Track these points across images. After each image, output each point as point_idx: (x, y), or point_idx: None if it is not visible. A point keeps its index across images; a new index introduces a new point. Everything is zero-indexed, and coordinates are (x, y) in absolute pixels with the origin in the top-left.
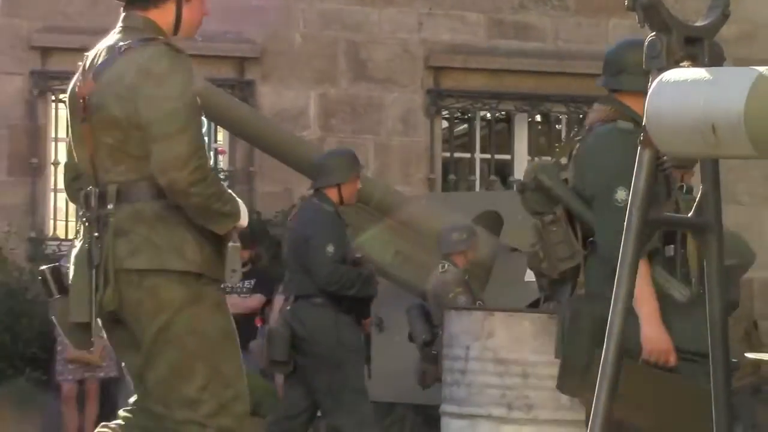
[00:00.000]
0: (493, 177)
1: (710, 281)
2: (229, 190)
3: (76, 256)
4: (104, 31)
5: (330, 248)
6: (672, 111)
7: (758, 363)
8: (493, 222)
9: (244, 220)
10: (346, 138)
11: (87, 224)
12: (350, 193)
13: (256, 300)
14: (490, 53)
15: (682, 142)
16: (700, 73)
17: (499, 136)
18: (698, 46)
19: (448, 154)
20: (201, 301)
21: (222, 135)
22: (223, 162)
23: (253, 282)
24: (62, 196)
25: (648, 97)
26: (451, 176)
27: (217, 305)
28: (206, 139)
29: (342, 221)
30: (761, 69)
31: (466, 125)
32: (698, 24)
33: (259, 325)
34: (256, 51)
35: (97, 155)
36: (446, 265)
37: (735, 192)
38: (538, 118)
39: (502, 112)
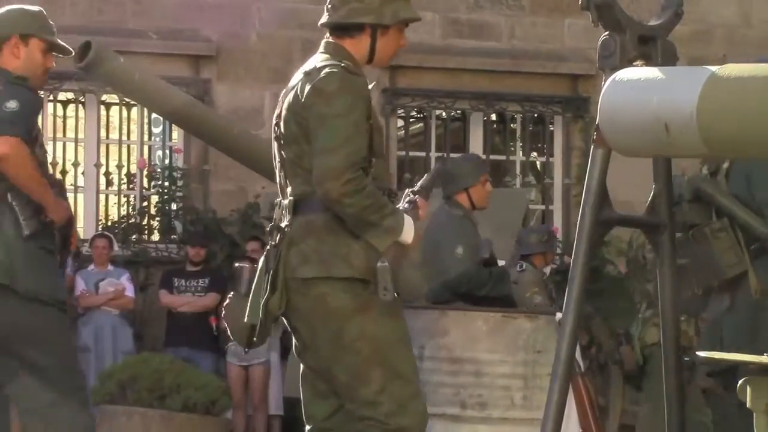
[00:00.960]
0: None
1: (662, 279)
2: (398, 208)
3: (261, 262)
4: (59, 30)
5: (459, 250)
6: (625, 110)
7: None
8: None
9: (407, 236)
10: None
11: (270, 234)
12: (480, 195)
13: (211, 299)
14: (445, 52)
15: (636, 140)
16: (653, 72)
17: (455, 135)
18: (651, 46)
19: (403, 153)
20: (370, 309)
21: (177, 133)
22: (178, 160)
23: (207, 281)
24: None
25: (601, 96)
26: (407, 175)
27: (387, 311)
28: (162, 137)
29: (472, 224)
30: (714, 68)
31: (421, 124)
32: (652, 23)
33: (213, 323)
34: (211, 49)
35: (284, 170)
36: (524, 265)
37: None
38: (494, 117)
39: (458, 111)
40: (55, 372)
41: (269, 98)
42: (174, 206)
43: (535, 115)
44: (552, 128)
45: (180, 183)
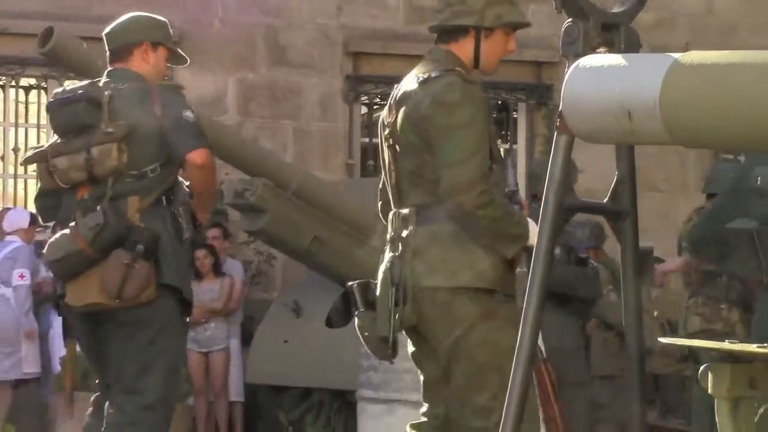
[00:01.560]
0: None
1: (625, 265)
2: (523, 214)
3: (382, 274)
4: (23, 15)
5: (557, 251)
6: (588, 97)
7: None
8: None
9: (533, 240)
10: (265, 123)
11: (390, 244)
12: None
13: None
14: (408, 39)
15: (599, 128)
16: (616, 59)
17: None
18: (615, 33)
19: (367, 140)
20: (494, 317)
21: None
22: None
23: None
24: None
25: (564, 83)
26: (370, 162)
27: (509, 320)
28: None
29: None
30: (677, 56)
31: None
32: (615, 10)
33: None
34: (174, 35)
35: (400, 180)
36: (594, 263)
37: (652, 179)
38: None
39: None
40: (175, 368)
41: (232, 84)
42: None
43: (499, 102)
44: (515, 115)
45: None
